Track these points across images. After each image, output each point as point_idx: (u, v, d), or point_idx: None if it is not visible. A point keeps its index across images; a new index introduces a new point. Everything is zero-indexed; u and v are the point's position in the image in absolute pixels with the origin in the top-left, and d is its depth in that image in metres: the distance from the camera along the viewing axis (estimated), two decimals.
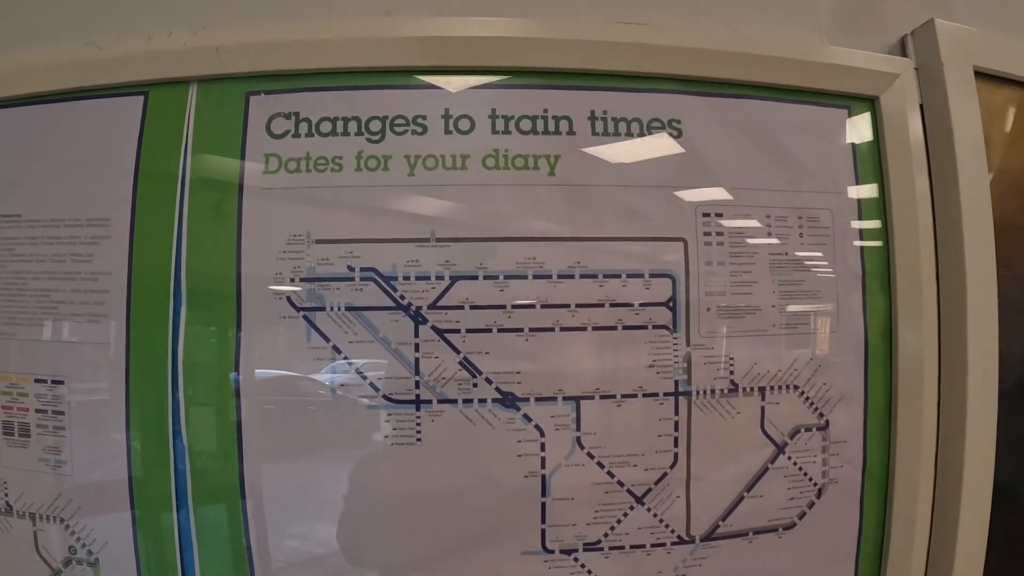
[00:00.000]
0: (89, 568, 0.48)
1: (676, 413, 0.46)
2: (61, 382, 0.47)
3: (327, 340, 0.44)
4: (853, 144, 0.49)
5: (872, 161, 0.50)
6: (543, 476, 0.45)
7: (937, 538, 0.50)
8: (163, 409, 0.45)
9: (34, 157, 0.48)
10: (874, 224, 0.49)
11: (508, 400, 0.44)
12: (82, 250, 0.47)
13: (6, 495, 0.49)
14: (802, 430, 0.48)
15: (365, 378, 0.44)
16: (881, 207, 0.49)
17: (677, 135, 0.47)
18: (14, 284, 0.48)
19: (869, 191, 0.49)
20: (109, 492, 0.47)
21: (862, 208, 0.49)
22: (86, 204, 0.47)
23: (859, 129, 0.50)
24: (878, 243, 0.49)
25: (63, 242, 0.47)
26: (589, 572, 0.46)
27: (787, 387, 0.47)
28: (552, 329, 0.45)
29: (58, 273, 0.47)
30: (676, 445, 0.46)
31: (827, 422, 0.48)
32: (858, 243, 0.49)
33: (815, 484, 0.49)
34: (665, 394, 0.45)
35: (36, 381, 0.48)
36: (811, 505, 0.49)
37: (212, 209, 0.45)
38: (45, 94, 0.48)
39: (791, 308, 0.47)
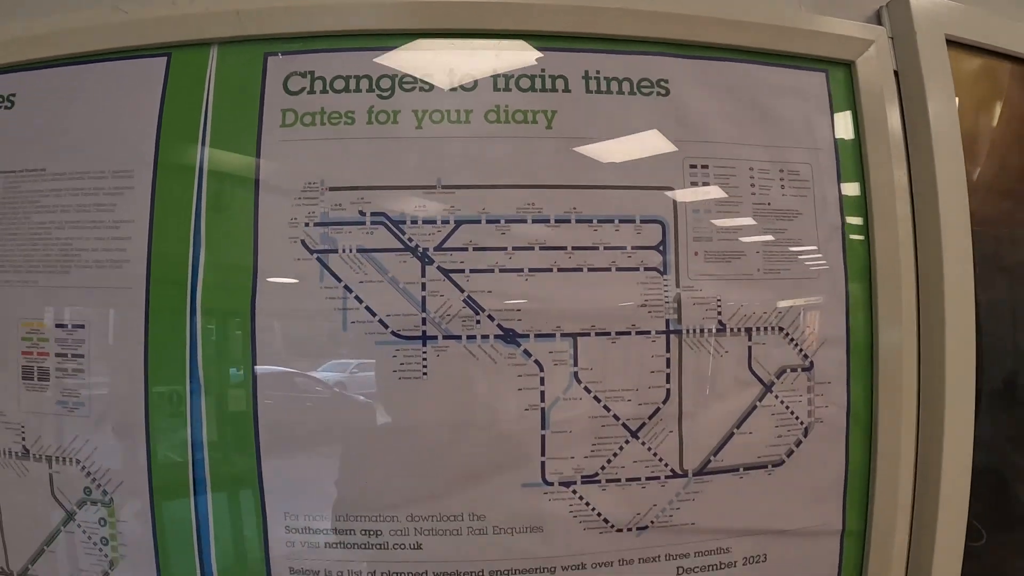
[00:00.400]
0: (104, 508, 0.51)
1: (667, 351, 0.50)
2: (82, 326, 0.51)
3: (339, 280, 0.48)
4: (831, 105, 0.55)
5: (849, 121, 0.55)
6: (542, 409, 0.49)
7: (922, 476, 0.54)
8: (181, 348, 0.49)
9: (61, 116, 0.53)
10: (852, 179, 0.54)
11: (509, 336, 0.48)
12: (105, 200, 0.51)
13: (23, 439, 0.52)
14: (787, 370, 0.52)
15: (375, 315, 0.48)
16: (858, 164, 0.54)
17: (665, 93, 0.52)
18: (38, 234, 0.52)
19: (847, 149, 0.54)
20: (126, 432, 0.50)
21: (840, 164, 0.54)
22: (110, 158, 0.51)
23: (836, 92, 0.55)
24: (856, 195, 0.54)
25: (87, 193, 0.51)
26: (587, 504, 0.50)
27: (772, 328, 0.52)
28: (550, 270, 0.49)
29: (82, 222, 0.51)
30: (668, 381, 0.50)
31: (811, 363, 0.53)
32: (836, 196, 0.53)
33: (801, 423, 0.53)
34: (657, 332, 0.50)
35: (57, 326, 0.51)
36: (798, 443, 0.53)
37: (231, 161, 0.50)
38: (72, 56, 0.53)
39: (774, 254, 0.52)
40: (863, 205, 0.53)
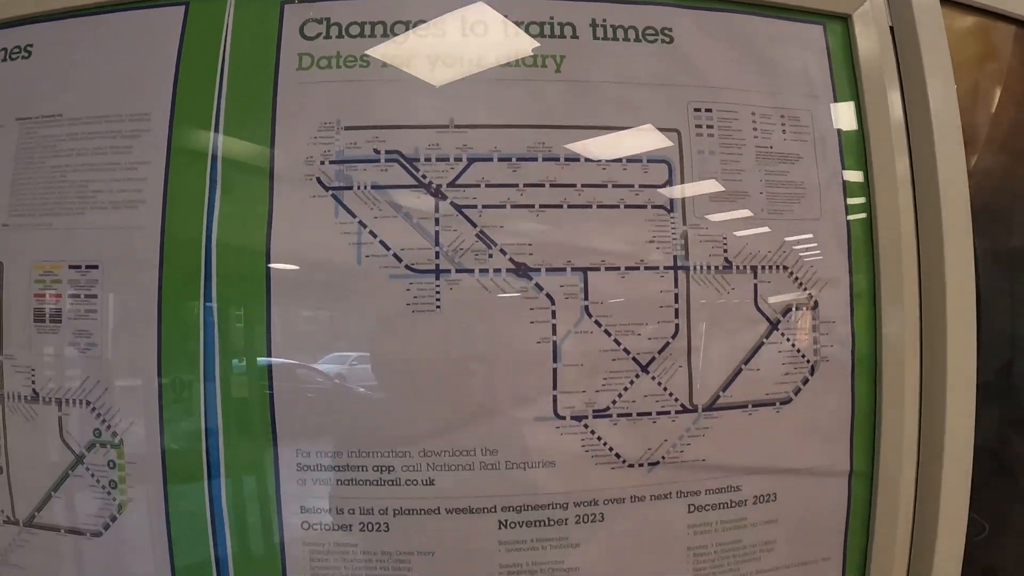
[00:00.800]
0: (113, 450, 0.53)
1: (676, 286, 0.52)
2: (95, 267, 0.53)
3: (353, 216, 0.51)
4: (829, 56, 0.58)
5: (847, 73, 0.58)
6: (554, 342, 0.51)
7: (927, 416, 0.57)
8: (196, 285, 0.51)
9: (78, 64, 0.55)
10: (851, 126, 0.57)
11: (521, 270, 0.51)
12: (122, 143, 0.53)
13: (33, 382, 0.53)
14: (793, 308, 0.55)
15: (389, 249, 0.50)
16: (856, 111, 0.57)
17: (669, 41, 0.55)
18: (54, 178, 0.54)
19: (845, 97, 0.57)
20: (137, 371, 0.52)
21: (839, 113, 0.57)
22: (127, 102, 0.54)
23: (834, 44, 0.58)
24: (855, 141, 0.57)
25: (104, 136, 0.53)
26: (599, 438, 0.52)
27: (777, 267, 0.54)
28: (560, 206, 0.52)
29: (98, 165, 0.53)
30: (677, 316, 0.52)
31: (816, 302, 0.55)
32: (836, 141, 0.57)
33: (808, 361, 0.55)
34: (665, 267, 0.52)
35: (70, 268, 0.53)
36: (805, 381, 0.55)
37: (248, 103, 0.52)
38: (89, 7, 0.56)
39: (777, 196, 0.55)
40: (862, 149, 0.56)
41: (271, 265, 0.50)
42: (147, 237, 0.52)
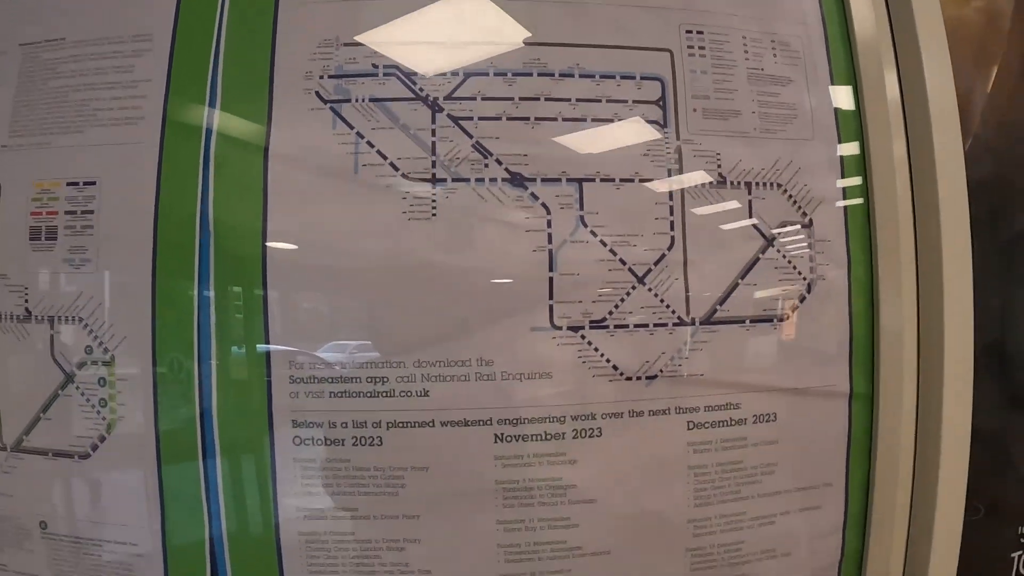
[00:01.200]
0: (104, 367, 0.53)
1: (670, 199, 0.54)
2: (93, 183, 0.54)
3: (351, 127, 0.52)
4: None
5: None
6: (550, 251, 0.52)
7: (925, 337, 0.58)
8: (192, 197, 0.52)
9: None
10: (840, 53, 0.60)
11: (516, 180, 0.52)
12: (124, 63, 0.55)
13: (26, 301, 0.54)
14: (787, 225, 0.56)
15: (386, 158, 0.52)
16: (845, 39, 0.60)
17: None
18: (55, 99, 0.56)
19: (834, 24, 0.60)
20: (132, 287, 0.53)
21: (828, 38, 0.59)
22: (130, 24, 0.56)
23: None
24: (845, 68, 0.59)
25: (106, 57, 0.56)
26: (596, 349, 0.52)
27: (770, 184, 0.56)
28: (555, 119, 0.53)
29: (98, 84, 0.55)
30: (672, 229, 0.54)
31: (810, 221, 0.57)
32: (827, 66, 0.59)
33: (804, 278, 0.56)
34: (660, 180, 0.54)
35: (68, 184, 0.55)
36: (802, 298, 0.56)
37: (249, 22, 0.55)
38: None
39: (769, 115, 0.57)
40: (852, 75, 0.59)
41: (268, 168, 0.52)
42: (145, 152, 0.53)
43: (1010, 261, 0.67)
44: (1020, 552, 0.67)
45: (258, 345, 0.51)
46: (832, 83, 0.59)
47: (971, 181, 0.58)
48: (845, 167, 0.58)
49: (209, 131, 0.53)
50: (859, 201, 0.58)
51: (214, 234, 0.52)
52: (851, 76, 0.59)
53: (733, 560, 0.56)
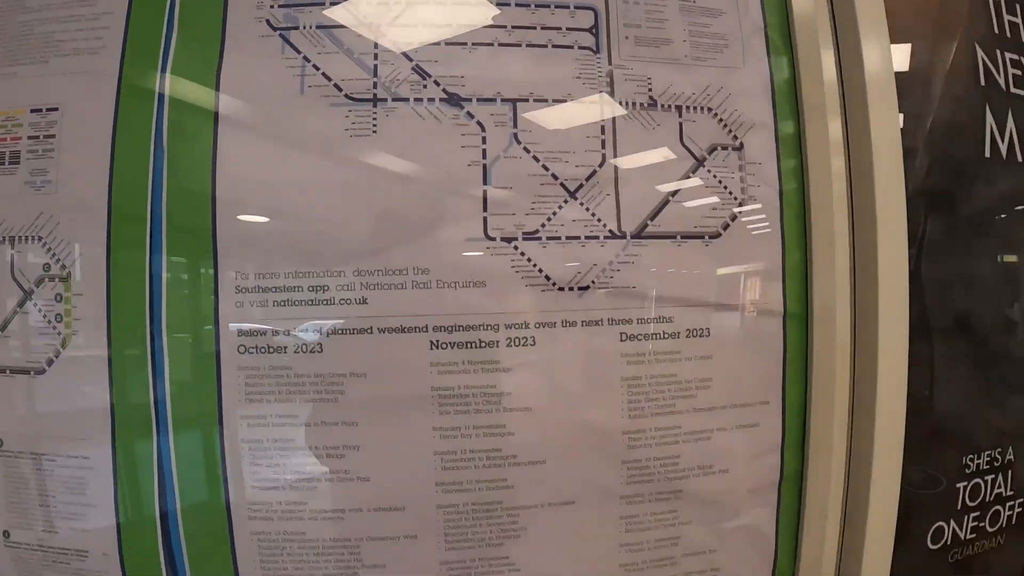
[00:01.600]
0: (61, 283, 0.57)
1: (602, 119, 0.58)
2: (55, 108, 0.59)
3: (298, 52, 0.57)
4: None
5: None
6: (484, 166, 0.56)
7: (860, 253, 0.60)
8: (148, 119, 0.56)
9: None
10: None
11: (453, 99, 0.56)
12: None
13: None
14: (719, 148, 0.60)
15: (330, 80, 0.56)
16: None
17: None
18: (21, 32, 0.60)
19: None
20: (88, 201, 0.57)
21: None
22: None
23: None
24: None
25: None
26: (528, 260, 0.56)
27: (701, 108, 0.60)
28: (492, 44, 0.58)
29: (63, 17, 0.60)
30: (604, 147, 0.57)
31: (741, 144, 0.60)
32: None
33: (735, 198, 0.59)
34: (591, 101, 0.58)
35: (32, 111, 0.59)
36: (733, 218, 0.59)
37: None
38: None
39: (701, 44, 0.61)
40: (783, 5, 0.63)
41: (220, 94, 0.56)
42: (106, 79, 0.58)
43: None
44: (966, 483, 0.68)
45: (206, 256, 0.55)
46: (763, 11, 0.63)
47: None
48: (776, 92, 0.62)
49: (166, 56, 0.57)
50: (790, 124, 0.61)
51: (168, 152, 0.56)
52: (781, 4, 0.63)
53: (670, 474, 0.58)
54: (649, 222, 0.57)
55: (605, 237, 0.57)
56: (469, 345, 0.55)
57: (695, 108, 0.60)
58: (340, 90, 0.56)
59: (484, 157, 0.56)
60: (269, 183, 0.56)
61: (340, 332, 0.55)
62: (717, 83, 0.60)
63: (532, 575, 0.58)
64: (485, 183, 0.56)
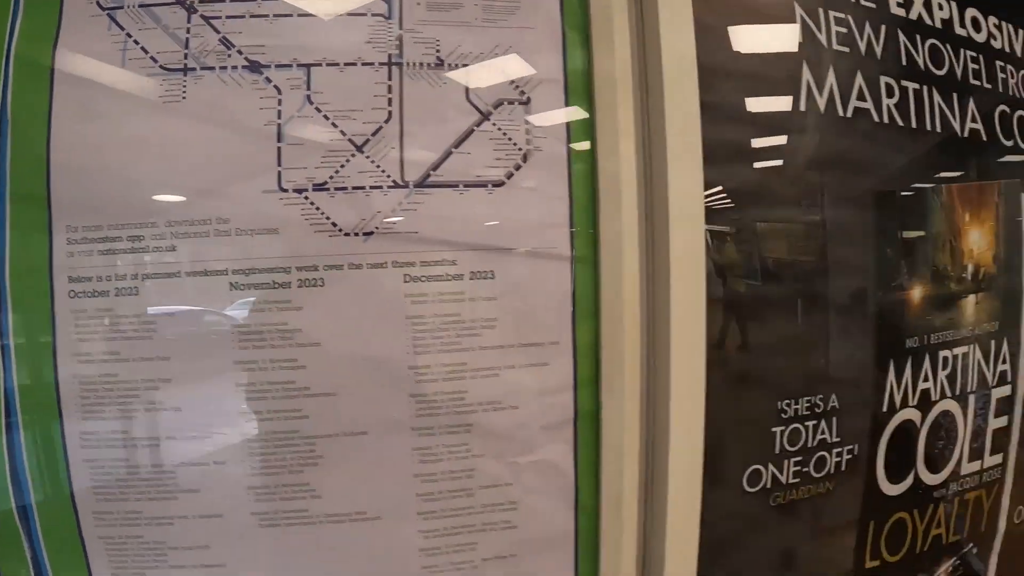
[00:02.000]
0: None
1: (390, 79, 0.64)
2: None
3: (122, 28, 0.65)
4: None
5: None
6: (279, 125, 0.63)
7: (650, 195, 0.64)
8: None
9: None
10: None
11: (255, 67, 0.64)
12: None
13: None
14: (505, 103, 0.65)
15: (147, 52, 0.64)
16: None
17: None
18: None
19: None
20: None
21: None
22: None
23: None
24: None
25: None
26: (318, 209, 0.62)
27: (490, 66, 0.65)
28: (291, 15, 0.65)
29: None
30: (390, 105, 0.63)
31: (529, 99, 0.65)
32: None
33: (520, 149, 0.64)
34: (380, 64, 0.64)
35: None
36: (517, 167, 0.64)
37: None
38: None
39: (493, 6, 0.66)
40: None
41: (56, 68, 0.64)
42: None
43: None
44: (783, 427, 0.70)
45: (41, 212, 0.64)
46: None
47: None
48: (568, 49, 0.66)
49: (11, 34, 0.67)
50: (580, 77, 0.66)
51: (11, 121, 0.65)
52: None
53: (458, 408, 0.64)
54: (432, 172, 0.63)
55: (389, 187, 0.63)
56: (264, 286, 0.62)
57: (483, 66, 0.65)
58: (156, 61, 0.64)
59: (279, 117, 0.63)
60: (95, 146, 0.64)
61: (153, 276, 0.63)
62: (507, 43, 0.66)
63: (333, 502, 0.64)
64: (279, 141, 0.63)
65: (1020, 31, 0.86)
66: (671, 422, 0.65)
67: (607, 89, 0.65)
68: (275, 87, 0.63)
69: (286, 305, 0.62)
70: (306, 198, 0.62)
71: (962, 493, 0.82)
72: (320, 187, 0.62)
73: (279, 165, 0.63)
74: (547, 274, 0.64)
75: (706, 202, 0.66)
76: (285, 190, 0.62)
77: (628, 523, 0.66)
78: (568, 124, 0.65)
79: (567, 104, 0.66)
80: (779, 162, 0.71)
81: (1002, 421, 0.84)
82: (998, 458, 0.84)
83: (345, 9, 0.65)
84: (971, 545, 0.85)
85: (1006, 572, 0.88)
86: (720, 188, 0.68)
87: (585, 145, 0.65)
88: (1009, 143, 0.83)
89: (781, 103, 0.70)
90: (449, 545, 0.65)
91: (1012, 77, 0.84)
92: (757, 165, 0.70)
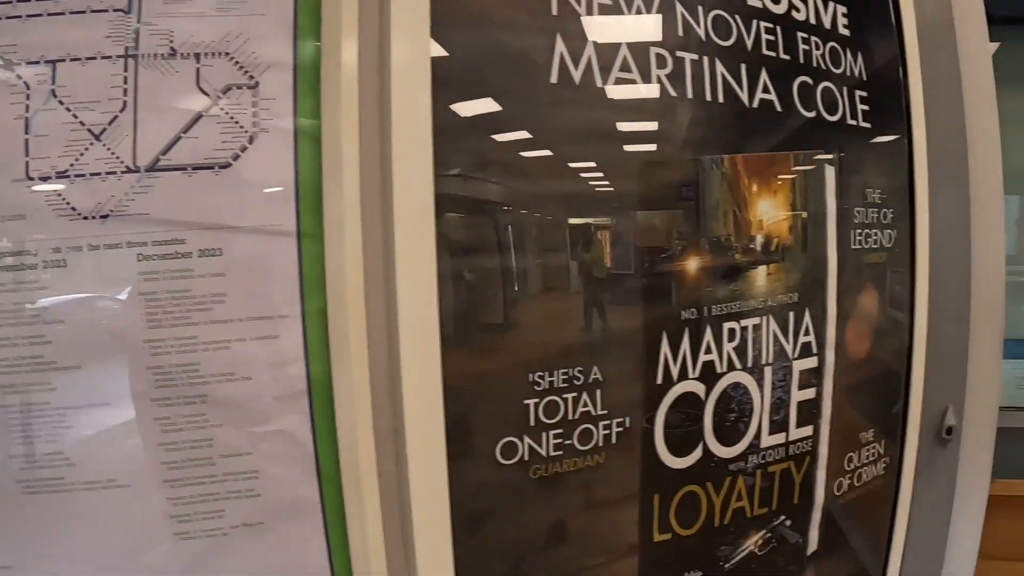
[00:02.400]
0: None
1: (126, 70, 0.69)
2: None
3: None
4: None
5: None
6: (26, 118, 0.69)
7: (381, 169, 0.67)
8: None
9: None
10: None
11: (8, 65, 0.70)
12: None
13: None
14: (233, 87, 0.69)
15: None
16: None
17: None
18: None
19: None
20: None
21: None
22: None
23: None
24: None
25: None
26: (59, 195, 0.68)
27: (219, 53, 0.69)
28: (41, 15, 0.71)
29: None
30: (125, 95, 0.69)
31: (257, 83, 0.69)
32: None
33: (246, 131, 0.68)
34: (117, 56, 0.69)
35: None
36: (244, 149, 0.68)
37: None
38: None
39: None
40: None
41: None
42: None
43: None
44: (537, 399, 0.71)
45: None
46: None
47: None
48: (299, 33, 0.70)
49: None
50: (309, 58, 0.69)
51: None
52: None
53: (192, 380, 0.68)
54: (161, 157, 0.68)
55: (122, 172, 0.68)
56: (15, 268, 0.68)
57: (213, 54, 0.69)
58: None
59: (27, 111, 0.69)
60: None
61: None
62: (237, 30, 0.70)
63: (86, 470, 0.70)
64: (27, 133, 0.69)
65: (830, 4, 0.83)
66: (403, 394, 0.68)
67: (334, 66, 0.68)
68: (24, 83, 0.70)
69: (33, 284, 0.68)
70: (50, 185, 0.68)
71: (764, 466, 0.80)
72: (62, 175, 0.68)
73: (27, 156, 0.69)
74: (274, 250, 0.68)
75: (445, 174, 0.69)
76: (31, 178, 0.68)
77: (370, 493, 0.69)
78: (295, 105, 0.69)
79: (296, 86, 0.69)
80: (524, 134, 0.72)
81: (808, 393, 0.81)
82: (807, 430, 0.82)
83: (89, 6, 0.71)
84: (782, 518, 0.83)
85: (837, 543, 0.85)
86: (458, 164, 0.70)
87: (311, 124, 0.69)
88: (811, 114, 0.81)
89: (525, 75, 0.72)
90: (198, 512, 0.70)
91: (817, 49, 0.82)
92: (499, 138, 0.71)
